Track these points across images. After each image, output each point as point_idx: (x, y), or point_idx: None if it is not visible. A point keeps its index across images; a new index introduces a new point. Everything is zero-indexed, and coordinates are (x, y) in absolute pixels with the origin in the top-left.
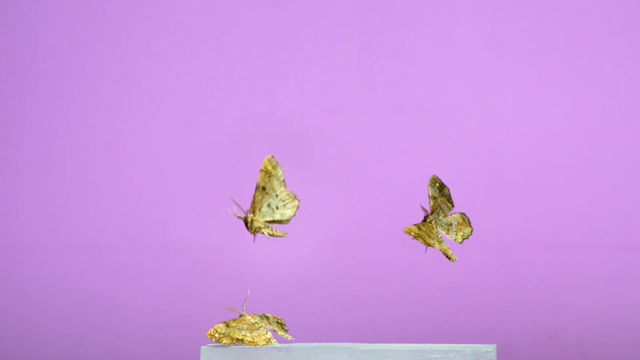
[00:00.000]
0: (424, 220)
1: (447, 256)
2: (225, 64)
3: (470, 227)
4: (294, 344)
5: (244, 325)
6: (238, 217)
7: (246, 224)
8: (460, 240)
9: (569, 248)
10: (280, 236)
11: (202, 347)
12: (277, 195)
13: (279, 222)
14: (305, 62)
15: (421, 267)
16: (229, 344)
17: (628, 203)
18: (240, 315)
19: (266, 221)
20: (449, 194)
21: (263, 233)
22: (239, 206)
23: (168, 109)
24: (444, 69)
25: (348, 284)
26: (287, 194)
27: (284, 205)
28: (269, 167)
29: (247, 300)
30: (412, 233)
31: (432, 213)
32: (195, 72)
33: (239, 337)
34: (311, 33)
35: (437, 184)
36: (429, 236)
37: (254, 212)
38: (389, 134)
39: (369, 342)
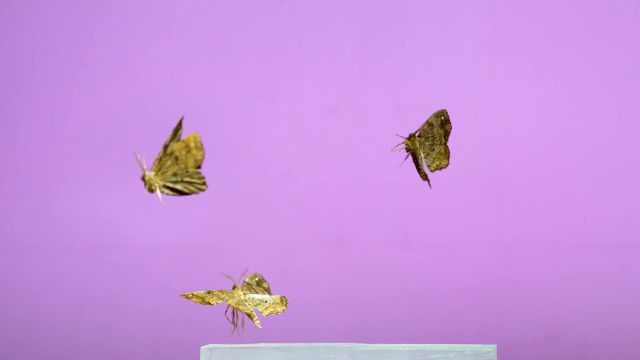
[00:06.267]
0: (409, 138)
1: (421, 176)
2: (224, 62)
3: (448, 161)
4: (294, 344)
5: (228, 297)
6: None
7: (145, 183)
8: (433, 168)
9: (569, 248)
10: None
11: (202, 347)
12: (187, 171)
13: (179, 192)
14: (305, 62)
15: (421, 267)
16: (199, 302)
17: (628, 203)
18: (234, 287)
19: (165, 186)
20: (449, 131)
21: (157, 193)
22: (140, 163)
23: (172, 109)
24: (444, 69)
25: (348, 284)
26: (199, 177)
27: (190, 182)
28: (192, 144)
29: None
30: (409, 147)
31: (419, 136)
32: (192, 71)
33: (210, 302)
34: (310, 33)
35: (443, 118)
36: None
37: (155, 172)
38: (389, 134)
39: (369, 342)
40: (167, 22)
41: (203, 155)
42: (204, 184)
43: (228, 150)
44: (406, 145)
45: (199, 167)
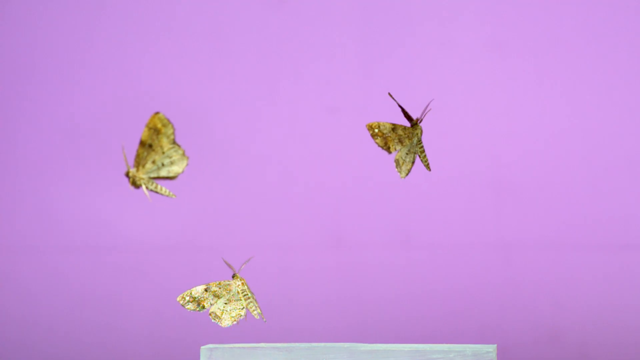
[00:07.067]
0: (412, 125)
1: (398, 167)
2: (224, 62)
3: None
4: (294, 344)
5: (225, 292)
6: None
7: (129, 179)
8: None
9: (569, 248)
10: (166, 195)
11: (202, 347)
12: (163, 153)
13: (166, 178)
14: (305, 62)
15: (421, 267)
16: (194, 310)
17: (628, 203)
18: (234, 276)
19: (151, 177)
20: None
21: (143, 189)
22: (126, 160)
23: (175, 111)
24: (444, 69)
25: (348, 284)
26: (175, 151)
27: (171, 162)
28: (159, 125)
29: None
30: (375, 130)
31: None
32: (192, 71)
33: (205, 306)
34: (310, 33)
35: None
36: (399, 141)
37: (137, 167)
38: None
39: (369, 342)
40: (167, 22)
41: (173, 128)
42: (183, 154)
43: (228, 150)
44: (374, 135)
45: (173, 141)
